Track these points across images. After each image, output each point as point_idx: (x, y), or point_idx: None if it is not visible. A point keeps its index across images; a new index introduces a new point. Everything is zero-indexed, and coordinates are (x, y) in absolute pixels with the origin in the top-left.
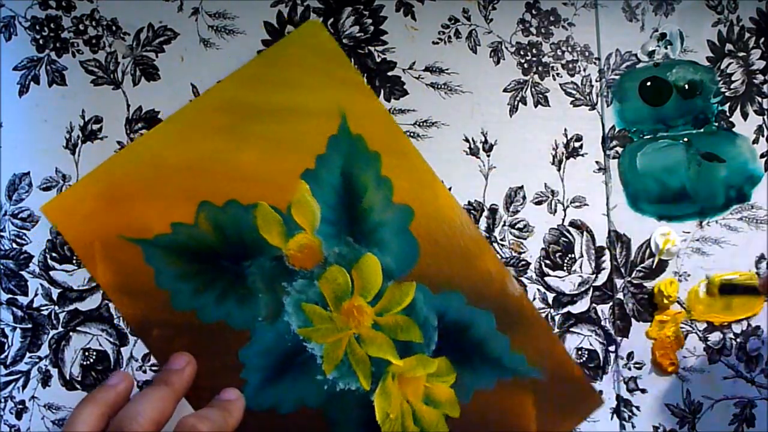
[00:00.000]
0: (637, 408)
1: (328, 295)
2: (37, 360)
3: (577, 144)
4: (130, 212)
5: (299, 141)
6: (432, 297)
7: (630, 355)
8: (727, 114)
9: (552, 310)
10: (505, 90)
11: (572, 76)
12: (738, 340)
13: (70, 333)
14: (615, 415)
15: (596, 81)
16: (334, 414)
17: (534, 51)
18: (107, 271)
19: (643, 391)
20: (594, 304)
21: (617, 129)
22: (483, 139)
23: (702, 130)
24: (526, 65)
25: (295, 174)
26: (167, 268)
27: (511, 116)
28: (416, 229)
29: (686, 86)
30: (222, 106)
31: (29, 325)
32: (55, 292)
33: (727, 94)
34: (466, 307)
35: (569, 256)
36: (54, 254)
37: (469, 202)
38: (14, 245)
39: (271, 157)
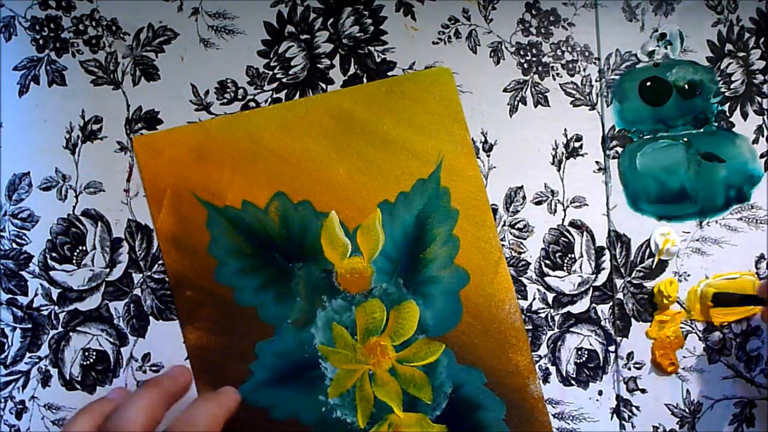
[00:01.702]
0: (637, 408)
1: (360, 325)
2: (37, 360)
3: (577, 144)
4: (210, 175)
5: (390, 172)
6: (455, 366)
7: (630, 355)
8: (727, 114)
9: (552, 310)
10: (505, 90)
11: (572, 76)
12: (738, 340)
13: (70, 333)
14: (615, 415)
15: (596, 81)
16: None
17: (534, 51)
18: (168, 219)
19: (643, 391)
20: (594, 304)
21: (617, 129)
22: (483, 139)
23: (702, 130)
24: (526, 65)
25: (373, 200)
26: (224, 239)
27: (511, 116)
28: (466, 296)
29: (686, 86)
30: (333, 112)
31: (29, 325)
32: (55, 292)
33: (727, 94)
34: (483, 388)
35: (569, 256)
36: (54, 254)
37: None
38: (14, 245)
39: (359, 176)
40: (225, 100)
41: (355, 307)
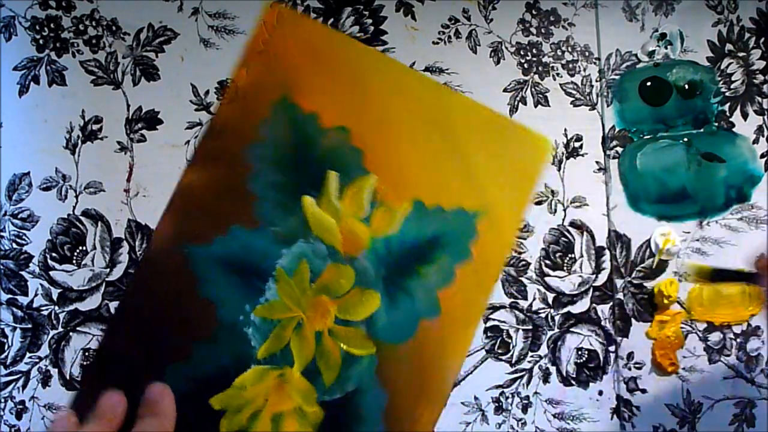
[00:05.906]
0: (637, 408)
1: (323, 279)
2: (37, 360)
3: (577, 144)
4: (313, 72)
5: (444, 180)
6: (371, 375)
7: (630, 355)
8: (727, 114)
9: (552, 310)
10: (505, 90)
11: (572, 76)
12: (738, 340)
13: (70, 333)
14: (615, 415)
15: (596, 81)
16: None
17: (534, 51)
18: (249, 76)
19: (643, 391)
20: (594, 304)
21: (617, 129)
22: None
23: (702, 130)
24: (526, 65)
25: (412, 192)
26: (277, 129)
27: (511, 116)
28: (425, 327)
29: (686, 86)
30: (442, 102)
31: (29, 325)
32: (55, 292)
33: (727, 94)
34: (378, 409)
35: (569, 256)
36: (54, 254)
37: None
38: (14, 245)
39: (418, 160)
40: (225, 100)
41: (330, 260)
